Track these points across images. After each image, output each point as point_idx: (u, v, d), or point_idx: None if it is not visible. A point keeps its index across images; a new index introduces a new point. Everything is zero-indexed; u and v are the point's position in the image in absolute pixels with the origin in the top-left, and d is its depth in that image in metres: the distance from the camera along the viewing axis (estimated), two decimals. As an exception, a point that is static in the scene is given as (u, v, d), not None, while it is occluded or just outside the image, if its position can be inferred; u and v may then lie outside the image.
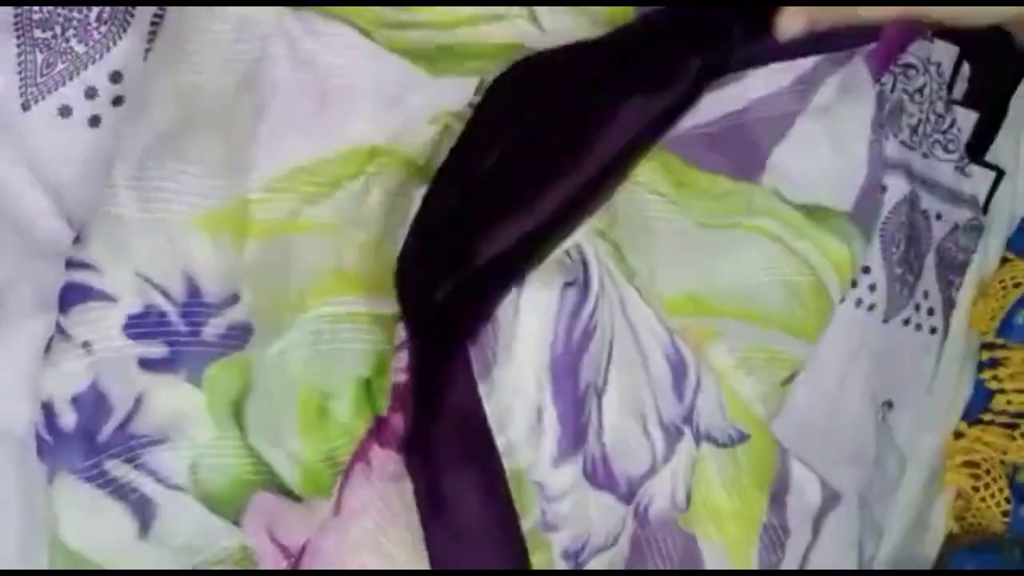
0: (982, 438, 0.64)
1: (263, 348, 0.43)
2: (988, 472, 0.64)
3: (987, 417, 0.64)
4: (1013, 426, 0.63)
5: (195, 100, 0.44)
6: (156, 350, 0.43)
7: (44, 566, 0.44)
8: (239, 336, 0.44)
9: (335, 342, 0.43)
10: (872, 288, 0.57)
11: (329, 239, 0.44)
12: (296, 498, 0.44)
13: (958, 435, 0.64)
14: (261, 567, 0.44)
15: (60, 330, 0.43)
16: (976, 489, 0.63)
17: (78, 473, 0.43)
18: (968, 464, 0.64)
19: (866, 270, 0.57)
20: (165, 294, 0.43)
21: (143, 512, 0.43)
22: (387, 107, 0.45)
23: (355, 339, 0.43)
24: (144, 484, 0.43)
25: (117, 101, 0.46)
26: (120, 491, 0.43)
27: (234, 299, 0.44)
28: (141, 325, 0.43)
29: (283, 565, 0.43)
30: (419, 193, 0.44)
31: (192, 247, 0.44)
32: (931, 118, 0.59)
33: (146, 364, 0.43)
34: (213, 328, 0.44)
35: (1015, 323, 0.62)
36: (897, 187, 0.57)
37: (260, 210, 0.44)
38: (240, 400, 0.44)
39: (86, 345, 0.43)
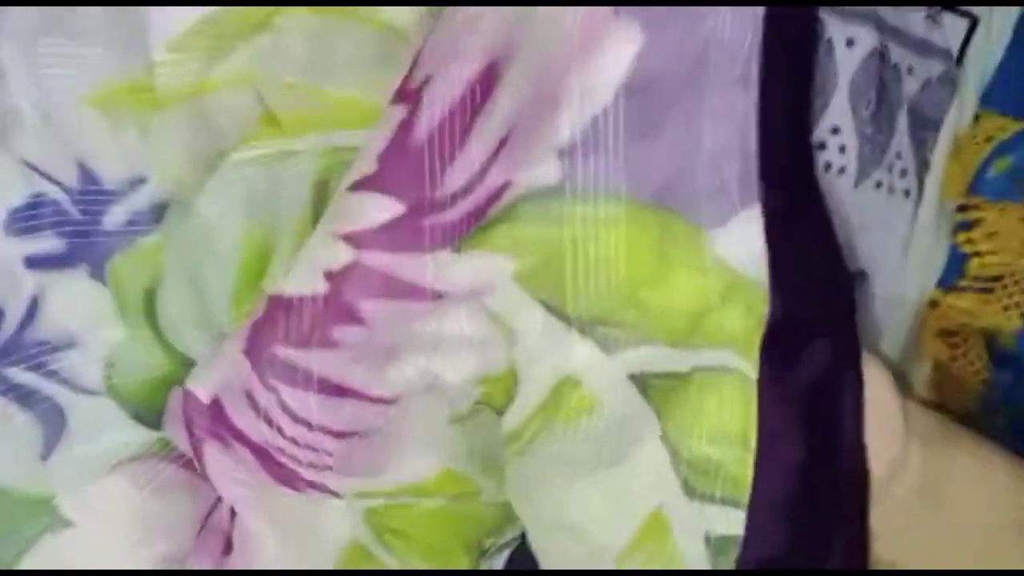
0: (957, 305, 0.62)
1: (186, 214, 0.40)
2: (966, 340, 0.62)
3: (962, 283, 0.62)
4: (989, 291, 0.61)
5: None
6: (49, 244, 0.39)
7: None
8: (147, 220, 0.40)
9: (272, 190, 0.39)
10: (842, 150, 0.54)
11: (247, 88, 0.40)
12: None
13: (933, 304, 0.62)
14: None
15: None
16: (954, 359, 0.61)
17: (-26, 385, 0.39)
18: (944, 333, 0.62)
19: (835, 131, 0.53)
20: (54, 181, 0.39)
21: (51, 423, 0.40)
22: None
23: (295, 175, 0.39)
24: (55, 392, 0.40)
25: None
26: (26, 399, 0.40)
27: (139, 182, 0.40)
28: (29, 219, 0.39)
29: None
30: (343, 35, 0.40)
31: (85, 129, 0.39)
32: (899, -39, 0.54)
33: (37, 262, 0.39)
34: (115, 216, 0.40)
35: (987, 177, 0.59)
36: (865, 39, 0.52)
37: (165, 74, 0.39)
38: (152, 289, 0.40)
39: (-40, 247, 0.39)
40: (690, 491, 0.34)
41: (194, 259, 0.40)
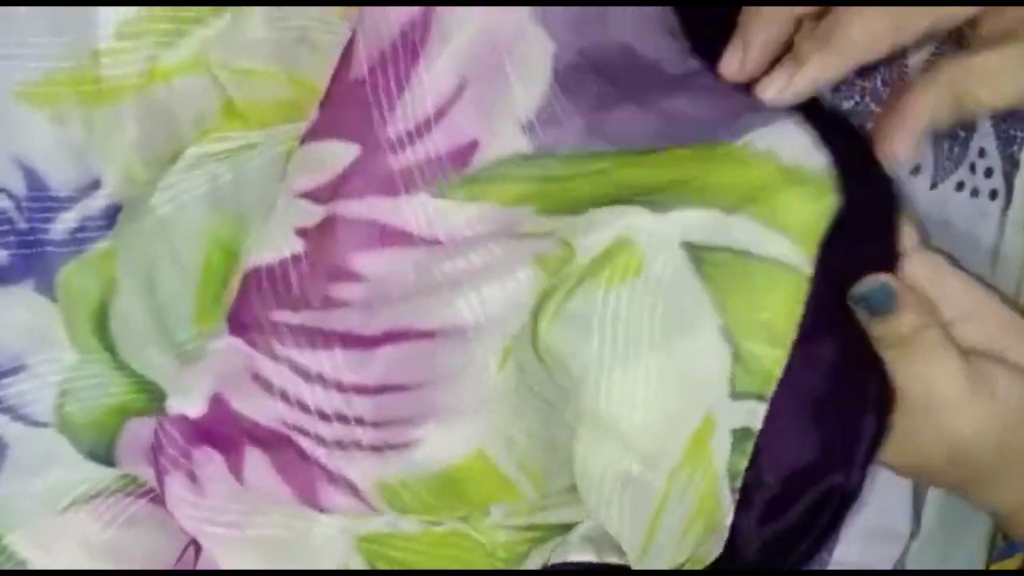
0: (1060, 322, 0.55)
1: (141, 212, 0.36)
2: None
3: (1062, 298, 0.55)
4: (1096, 307, 0.54)
5: None
6: (-9, 258, 0.36)
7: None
8: (99, 227, 0.37)
9: (238, 182, 0.37)
10: (915, 146, 0.49)
11: (203, 75, 0.37)
12: None
13: (1029, 321, 0.55)
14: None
15: None
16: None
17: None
18: (1044, 356, 0.55)
19: (907, 125, 0.48)
20: None
21: None
22: None
23: (263, 166, 0.37)
24: None
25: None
26: None
27: (93, 185, 0.37)
28: None
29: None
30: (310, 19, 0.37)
31: (25, 127, 0.36)
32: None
33: None
34: (63, 224, 0.37)
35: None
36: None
37: (111, 64, 0.36)
38: (104, 304, 0.37)
39: None
40: (733, 391, 0.32)
41: (149, 261, 0.36)
